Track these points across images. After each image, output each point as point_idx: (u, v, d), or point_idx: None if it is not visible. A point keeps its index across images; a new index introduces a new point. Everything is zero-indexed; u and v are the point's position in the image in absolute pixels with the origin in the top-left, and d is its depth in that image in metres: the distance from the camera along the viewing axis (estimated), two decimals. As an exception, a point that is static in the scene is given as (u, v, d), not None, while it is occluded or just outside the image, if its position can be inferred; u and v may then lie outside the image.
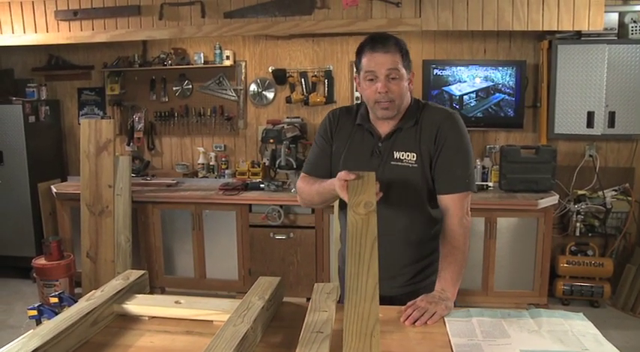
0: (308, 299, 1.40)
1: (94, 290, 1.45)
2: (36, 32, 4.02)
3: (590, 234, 3.81)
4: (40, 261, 3.73)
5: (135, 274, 1.54)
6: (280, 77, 4.17)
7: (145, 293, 1.52)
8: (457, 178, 1.60)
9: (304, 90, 4.14)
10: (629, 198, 3.77)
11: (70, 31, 3.98)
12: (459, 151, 1.61)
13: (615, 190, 3.83)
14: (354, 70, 1.76)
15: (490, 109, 3.89)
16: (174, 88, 4.36)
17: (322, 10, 3.69)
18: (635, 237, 3.86)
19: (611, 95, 3.62)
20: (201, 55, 4.17)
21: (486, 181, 3.89)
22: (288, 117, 4.21)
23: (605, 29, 3.56)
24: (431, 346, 1.25)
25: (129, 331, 1.32)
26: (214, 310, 1.37)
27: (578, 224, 3.78)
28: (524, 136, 3.99)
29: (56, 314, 1.68)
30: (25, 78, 4.50)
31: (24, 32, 4.04)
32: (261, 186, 3.91)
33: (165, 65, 4.22)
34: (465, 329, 1.32)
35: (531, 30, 3.55)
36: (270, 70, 4.20)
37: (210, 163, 4.35)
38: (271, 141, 3.77)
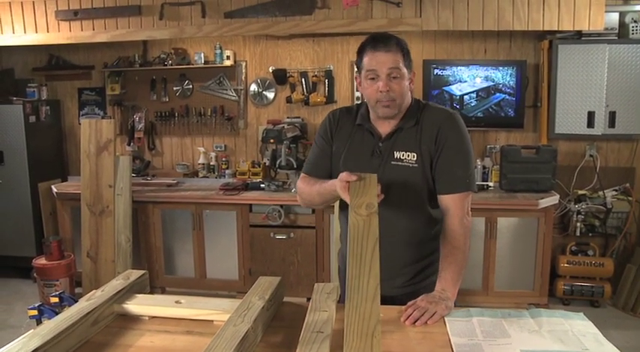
0: (308, 299, 1.40)
1: (94, 290, 1.45)
2: (36, 32, 4.03)
3: (590, 234, 3.81)
4: (41, 261, 3.73)
5: (135, 274, 1.54)
6: (281, 77, 4.17)
7: (145, 293, 1.52)
8: (457, 178, 1.60)
9: (305, 90, 4.14)
10: (630, 198, 3.77)
11: (70, 31, 3.99)
12: (460, 151, 1.61)
13: (616, 190, 3.82)
14: (355, 69, 1.76)
15: (490, 109, 3.89)
16: (174, 88, 4.37)
17: (323, 10, 3.69)
18: (636, 236, 3.85)
19: (612, 95, 3.62)
20: (202, 55, 4.17)
21: (487, 181, 3.89)
22: (288, 117, 4.21)
23: (606, 29, 3.56)
24: (431, 346, 1.25)
25: (129, 331, 1.32)
26: (214, 310, 1.37)
27: (578, 224, 3.78)
28: (524, 136, 3.99)
29: (56, 313, 1.68)
30: (25, 78, 4.50)
31: (24, 32, 4.04)
32: (262, 186, 3.91)
33: (166, 65, 4.22)
34: (465, 329, 1.32)
35: (532, 30, 3.55)
36: (270, 70, 4.20)
37: (211, 163, 4.35)
38: (272, 141, 3.78)
